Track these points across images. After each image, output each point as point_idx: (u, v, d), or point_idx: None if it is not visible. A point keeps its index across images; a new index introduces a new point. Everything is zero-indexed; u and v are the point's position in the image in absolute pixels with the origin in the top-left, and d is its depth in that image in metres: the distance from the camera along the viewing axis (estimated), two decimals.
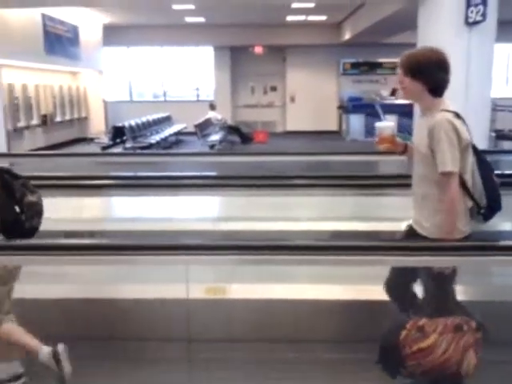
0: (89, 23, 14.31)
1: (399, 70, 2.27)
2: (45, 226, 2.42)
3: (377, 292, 2.58)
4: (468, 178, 2.18)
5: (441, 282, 2.22)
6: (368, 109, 13.31)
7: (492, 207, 2.21)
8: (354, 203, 4.12)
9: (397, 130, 2.49)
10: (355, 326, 2.81)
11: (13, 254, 2.14)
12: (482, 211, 2.20)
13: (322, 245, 2.14)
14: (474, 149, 2.22)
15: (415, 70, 2.19)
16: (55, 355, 2.45)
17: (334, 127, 17.07)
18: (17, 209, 2.43)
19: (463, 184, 2.15)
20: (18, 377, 2.55)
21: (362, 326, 2.75)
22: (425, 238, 2.25)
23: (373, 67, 17.15)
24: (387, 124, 2.42)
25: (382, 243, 2.20)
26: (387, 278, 2.50)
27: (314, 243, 2.17)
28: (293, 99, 17.52)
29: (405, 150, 2.43)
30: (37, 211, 2.47)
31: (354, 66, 17.24)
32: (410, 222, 2.39)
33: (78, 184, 3.33)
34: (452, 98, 2.30)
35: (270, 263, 2.16)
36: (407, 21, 9.51)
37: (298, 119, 17.28)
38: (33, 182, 2.58)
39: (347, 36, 14.87)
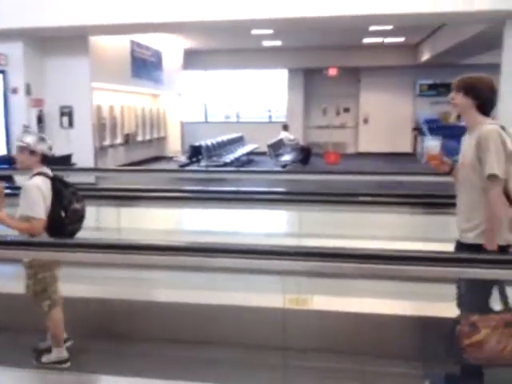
0: (171, 48, 15.18)
1: (453, 90, 2.52)
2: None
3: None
4: None
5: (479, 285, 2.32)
6: (444, 131, 12.88)
7: None
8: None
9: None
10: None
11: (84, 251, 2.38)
12: None
13: (382, 254, 2.22)
14: None
15: (468, 87, 2.48)
16: (61, 361, 2.86)
17: (408, 149, 16.70)
18: (62, 213, 2.82)
19: (507, 193, 2.29)
20: (65, 360, 2.92)
21: None
22: (470, 246, 2.37)
23: (451, 88, 16.62)
24: (434, 143, 2.63)
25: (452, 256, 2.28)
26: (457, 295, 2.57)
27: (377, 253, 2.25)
28: (366, 120, 17.39)
29: (451, 170, 2.59)
30: (79, 217, 2.89)
31: (431, 87, 16.85)
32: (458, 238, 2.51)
33: (159, 196, 3.59)
34: None
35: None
36: (490, 42, 9.22)
37: (370, 141, 17.09)
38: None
39: (425, 57, 14.60)
